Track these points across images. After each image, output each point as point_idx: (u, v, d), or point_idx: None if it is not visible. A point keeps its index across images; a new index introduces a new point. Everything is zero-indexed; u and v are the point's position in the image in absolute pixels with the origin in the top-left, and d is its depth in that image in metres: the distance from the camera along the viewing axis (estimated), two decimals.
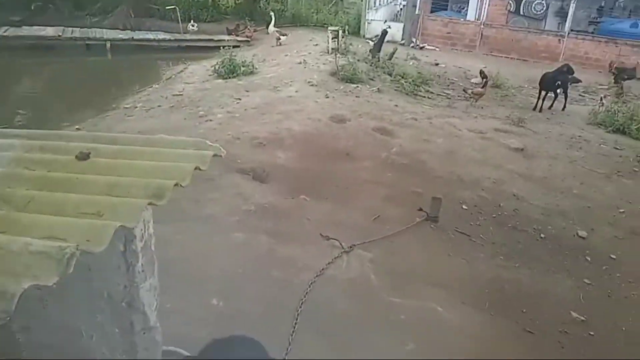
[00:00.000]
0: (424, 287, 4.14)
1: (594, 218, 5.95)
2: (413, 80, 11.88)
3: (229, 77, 11.03)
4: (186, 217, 4.62)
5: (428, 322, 3.70)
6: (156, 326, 1.86)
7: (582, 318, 4.10)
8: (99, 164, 1.45)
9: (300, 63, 11.92)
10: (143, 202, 1.24)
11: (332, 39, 13.44)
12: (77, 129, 7.37)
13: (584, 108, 11.86)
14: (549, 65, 14.86)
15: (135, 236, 1.59)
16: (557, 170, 7.30)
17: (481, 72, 13.67)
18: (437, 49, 18.88)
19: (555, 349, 3.72)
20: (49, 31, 15.21)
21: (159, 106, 9.00)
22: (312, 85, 10.21)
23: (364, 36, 18.38)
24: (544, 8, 21.78)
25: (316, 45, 14.66)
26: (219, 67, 11.36)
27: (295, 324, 3.32)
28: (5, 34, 14.56)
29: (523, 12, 21.72)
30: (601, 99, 11.55)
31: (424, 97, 11.20)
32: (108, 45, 15.33)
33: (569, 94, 11.73)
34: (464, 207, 5.71)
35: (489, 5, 20.14)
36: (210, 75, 11.54)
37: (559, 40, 18.58)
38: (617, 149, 8.65)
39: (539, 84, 11.27)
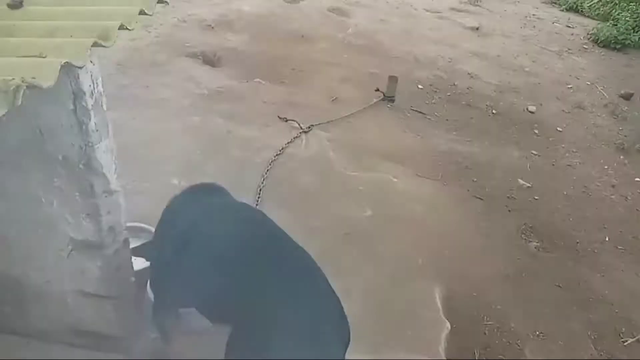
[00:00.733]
0: (380, 162, 4.26)
1: (543, 93, 6.14)
2: None
3: None
4: (138, 102, 4.44)
5: (384, 191, 3.87)
6: (118, 190, 1.85)
7: (528, 184, 4.39)
8: (35, 11, 1.33)
9: None
10: (88, 41, 1.16)
11: None
12: None
13: None
14: None
15: (85, 92, 1.51)
16: (510, 48, 7.33)
17: None
18: None
19: (502, 211, 4.01)
20: None
21: None
22: None
23: None
24: None
25: None
26: None
27: (258, 198, 3.40)
28: None
29: None
30: None
31: None
32: None
33: None
34: (420, 86, 5.74)
35: None
36: None
37: None
38: (569, 27, 8.71)
39: None
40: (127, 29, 1.25)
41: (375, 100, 5.18)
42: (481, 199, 4.09)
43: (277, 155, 3.93)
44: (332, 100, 5.14)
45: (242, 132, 4.27)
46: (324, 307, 1.71)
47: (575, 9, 9.63)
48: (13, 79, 0.87)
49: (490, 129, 5.18)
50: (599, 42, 7.86)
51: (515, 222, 3.89)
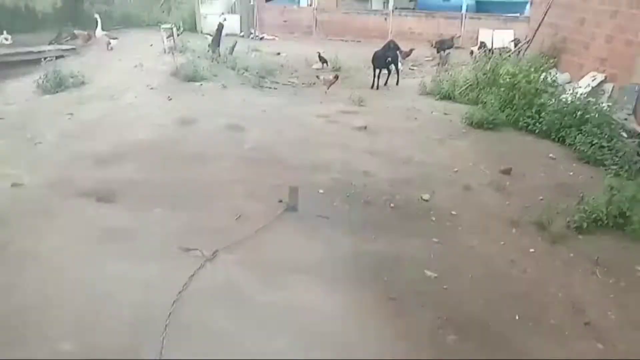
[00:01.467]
0: (290, 277, 4.22)
1: (433, 181, 6.59)
2: (257, 72, 11.94)
3: (57, 91, 9.99)
4: (23, 259, 4.12)
5: (298, 311, 3.79)
6: None
7: (435, 275, 4.53)
8: None
9: (136, 67, 11.25)
10: None
11: (167, 37, 12.90)
12: None
13: (414, 80, 12.98)
14: (381, 42, 15.91)
15: None
16: (397, 142, 7.92)
17: (319, 56, 14.25)
18: (276, 38, 19.19)
19: (416, 308, 4.07)
20: None
21: None
22: (152, 89, 9.73)
23: (201, 31, 17.96)
24: None
25: (151, 45, 13.95)
26: (43, 82, 10.22)
27: (162, 349, 3.16)
28: None
29: None
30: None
31: (271, 88, 11.33)
32: None
33: (400, 69, 12.76)
34: (320, 191, 5.93)
35: None
36: (34, 91, 10.32)
37: (385, 18, 20.05)
38: (446, 114, 9.65)
39: (372, 63, 12.05)
40: None
41: (279, 211, 5.25)
42: (394, 299, 4.13)
43: (179, 293, 3.75)
44: (237, 218, 5.13)
45: (141, 273, 4.06)
46: None
47: (448, 97, 10.78)
48: None
49: (391, 223, 5.39)
50: (473, 124, 8.73)
51: (430, 317, 3.95)
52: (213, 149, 6.93)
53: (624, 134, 7.83)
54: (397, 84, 12.36)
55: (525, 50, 11.71)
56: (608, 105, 8.17)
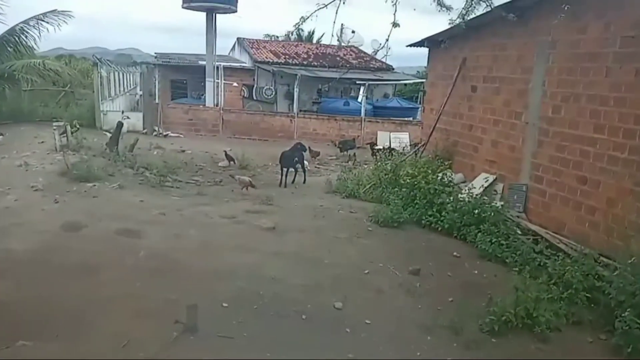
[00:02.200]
0: None
1: (345, 285, 6.32)
2: (158, 171, 11.42)
3: None
4: None
5: None
6: None
7: None
8: None
9: (20, 166, 10.22)
10: None
11: (61, 134, 12.07)
12: None
13: (320, 178, 13.20)
14: (287, 142, 16.29)
15: None
16: (306, 242, 7.66)
17: (226, 154, 14.13)
18: (181, 135, 18.94)
19: None
20: None
21: None
22: (36, 190, 8.79)
23: (100, 128, 17.22)
24: (273, 93, 24.27)
25: (42, 142, 12.98)
26: None
27: None
28: None
29: (256, 97, 23.81)
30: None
31: (172, 187, 10.81)
32: None
33: (307, 168, 12.95)
34: (224, 304, 5.37)
35: (224, 92, 21.39)
36: None
37: (291, 120, 20.77)
38: (352, 212, 9.67)
39: (280, 162, 12.11)
40: None
41: (175, 334, 4.60)
42: None
43: None
44: (123, 346, 4.38)
45: None
46: None
47: (353, 195, 10.92)
48: None
49: (304, 339, 4.95)
50: (379, 222, 8.78)
51: None
52: (101, 258, 6.17)
53: (519, 231, 8.26)
54: (304, 182, 12.45)
55: (422, 152, 12.45)
56: (501, 205, 8.68)
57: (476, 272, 7.23)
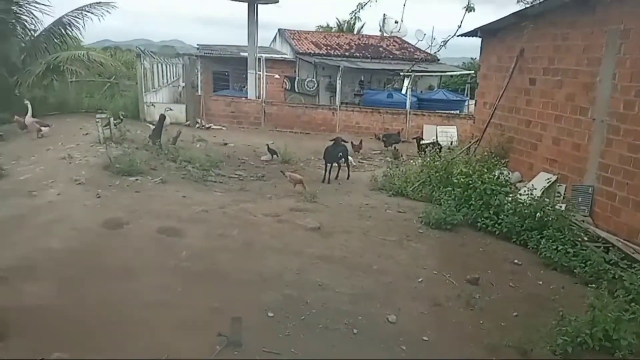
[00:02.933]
0: None
1: (397, 295, 5.85)
2: (201, 165, 11.20)
3: None
4: None
5: None
6: None
7: None
8: None
9: (64, 158, 10.19)
10: None
11: (104, 126, 12.02)
12: None
13: (364, 174, 12.69)
14: (329, 136, 15.79)
15: None
16: (354, 245, 7.22)
17: (268, 148, 13.81)
18: (223, 128, 18.79)
19: None
20: None
21: None
22: (79, 184, 8.67)
23: (144, 120, 17.23)
24: (315, 85, 23.83)
25: (86, 134, 12.99)
26: None
27: None
28: None
29: (298, 89, 23.41)
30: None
31: (215, 182, 10.55)
32: None
33: (351, 163, 12.47)
34: (270, 314, 5.00)
35: (266, 84, 21.10)
36: None
37: (333, 113, 20.27)
38: (400, 212, 9.15)
39: (324, 157, 11.68)
40: None
41: (218, 348, 4.25)
42: None
43: None
44: None
45: None
46: None
47: (400, 194, 10.37)
48: None
49: (356, 355, 4.52)
50: (431, 224, 8.22)
51: None
52: (142, 259, 5.91)
53: (585, 238, 7.55)
54: (347, 178, 11.99)
55: (475, 149, 11.74)
56: (567, 208, 7.96)
57: (541, 283, 6.60)
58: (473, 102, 15.38)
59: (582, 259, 6.88)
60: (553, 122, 9.90)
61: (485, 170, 9.07)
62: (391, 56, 27.50)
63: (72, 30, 17.07)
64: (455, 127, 18.48)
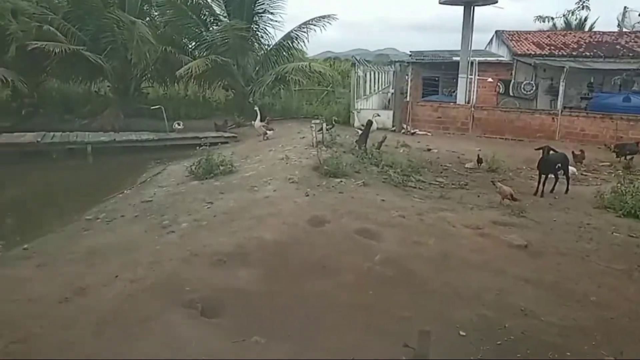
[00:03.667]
0: None
1: (619, 334, 4.87)
2: (402, 170, 11.23)
3: (206, 178, 10.41)
4: None
5: None
6: None
7: None
8: None
9: (282, 159, 11.33)
10: None
11: (318, 131, 13.02)
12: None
13: (587, 189, 11.04)
14: (545, 143, 14.19)
15: None
16: (568, 270, 6.29)
17: (478, 158, 13.01)
18: (429, 133, 18.56)
19: None
20: (28, 137, 14.99)
21: (122, 216, 8.23)
22: (292, 182, 9.52)
23: (354, 125, 18.14)
24: (534, 88, 21.80)
25: (303, 138, 14.25)
26: (195, 168, 10.77)
27: None
28: None
29: (512, 93, 21.73)
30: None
31: (415, 187, 10.45)
32: (89, 148, 15.00)
33: (571, 175, 10.98)
34: (462, 332, 4.67)
35: (477, 88, 20.13)
36: (187, 176, 10.92)
37: (553, 118, 18.25)
38: (632, 236, 7.68)
39: (538, 168, 10.52)
40: None
41: (404, 359, 4.12)
42: None
43: None
44: None
45: None
46: None
47: (634, 215, 8.69)
48: None
49: None
50: None
51: None
52: (338, 258, 6.14)
53: None
54: (566, 192, 10.56)
55: None
56: None
57: None
58: None
59: None
60: None
61: None
62: (631, 54, 23.48)
63: (298, 43, 19.07)
64: None
